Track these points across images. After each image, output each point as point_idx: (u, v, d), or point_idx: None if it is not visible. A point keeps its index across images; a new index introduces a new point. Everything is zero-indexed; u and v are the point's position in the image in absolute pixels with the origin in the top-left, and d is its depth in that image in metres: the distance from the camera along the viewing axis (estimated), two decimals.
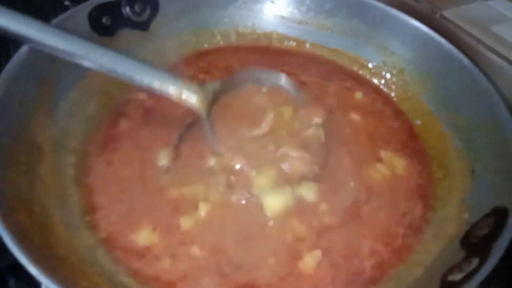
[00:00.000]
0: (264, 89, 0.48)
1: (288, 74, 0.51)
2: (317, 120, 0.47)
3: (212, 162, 0.45)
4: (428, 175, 0.47)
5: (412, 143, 0.51)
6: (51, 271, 0.30)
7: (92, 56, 0.40)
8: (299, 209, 0.43)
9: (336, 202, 0.44)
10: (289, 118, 0.46)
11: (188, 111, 0.47)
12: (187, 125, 0.48)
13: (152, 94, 0.50)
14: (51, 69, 0.46)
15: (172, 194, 0.43)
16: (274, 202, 0.42)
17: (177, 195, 0.43)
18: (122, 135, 0.48)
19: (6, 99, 0.40)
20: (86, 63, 0.40)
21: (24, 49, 0.43)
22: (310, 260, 0.39)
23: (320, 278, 0.39)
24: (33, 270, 0.29)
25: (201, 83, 0.44)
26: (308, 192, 0.44)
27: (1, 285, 0.43)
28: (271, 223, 0.42)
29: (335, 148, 0.48)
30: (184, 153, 0.46)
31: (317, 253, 0.40)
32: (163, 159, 0.46)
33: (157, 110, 0.51)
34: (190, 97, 0.42)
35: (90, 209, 0.41)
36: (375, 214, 0.44)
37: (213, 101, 0.45)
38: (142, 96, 0.52)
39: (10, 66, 0.42)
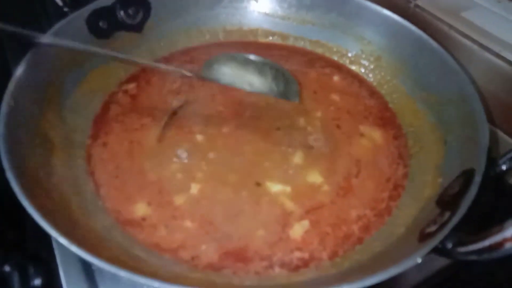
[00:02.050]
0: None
1: None
2: None
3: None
4: (404, 148, 0.52)
5: (388, 118, 0.56)
6: (77, 243, 0.33)
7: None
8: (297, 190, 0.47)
9: (334, 180, 0.48)
10: None
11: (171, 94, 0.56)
12: (171, 113, 0.54)
13: (138, 84, 0.58)
14: (55, 71, 0.50)
15: (153, 177, 0.47)
16: (277, 188, 0.47)
17: (157, 178, 0.47)
18: (113, 119, 0.53)
19: (20, 99, 0.43)
20: None
21: (29, 55, 0.47)
22: (298, 228, 0.44)
23: (308, 242, 0.43)
24: (63, 241, 0.33)
25: None
26: (314, 177, 0.48)
27: (23, 273, 0.46)
28: (262, 200, 0.46)
29: (327, 123, 0.54)
30: (168, 136, 0.51)
31: (305, 223, 0.44)
32: (149, 141, 0.51)
33: (142, 96, 0.56)
34: None
35: (96, 189, 0.46)
36: (364, 184, 0.48)
37: None
38: (130, 86, 0.58)
39: (20, 71, 0.45)
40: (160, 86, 0.58)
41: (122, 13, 0.58)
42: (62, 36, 0.51)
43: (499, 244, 0.29)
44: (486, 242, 0.30)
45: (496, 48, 0.56)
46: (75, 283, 0.42)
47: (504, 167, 0.40)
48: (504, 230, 0.29)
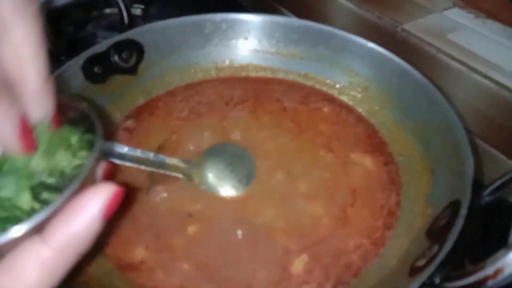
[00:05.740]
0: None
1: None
2: None
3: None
4: (396, 174, 0.54)
5: (376, 144, 0.58)
6: None
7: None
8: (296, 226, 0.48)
9: (332, 212, 0.49)
10: None
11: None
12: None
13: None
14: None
15: (145, 221, 0.48)
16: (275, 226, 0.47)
17: (149, 222, 0.48)
18: None
19: None
20: None
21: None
22: (299, 264, 0.44)
23: (310, 277, 0.44)
24: None
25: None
26: (316, 210, 0.49)
27: None
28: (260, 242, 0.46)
29: (317, 153, 0.55)
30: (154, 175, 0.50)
31: (304, 257, 0.45)
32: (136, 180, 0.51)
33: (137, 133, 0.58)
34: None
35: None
36: (360, 213, 0.49)
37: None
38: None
39: None
40: (153, 124, 0.60)
41: (116, 57, 0.60)
42: (59, 84, 0.53)
43: (483, 281, 0.30)
44: (471, 279, 0.31)
45: (483, 69, 0.58)
46: None
47: (488, 199, 0.41)
48: (486, 268, 0.30)
